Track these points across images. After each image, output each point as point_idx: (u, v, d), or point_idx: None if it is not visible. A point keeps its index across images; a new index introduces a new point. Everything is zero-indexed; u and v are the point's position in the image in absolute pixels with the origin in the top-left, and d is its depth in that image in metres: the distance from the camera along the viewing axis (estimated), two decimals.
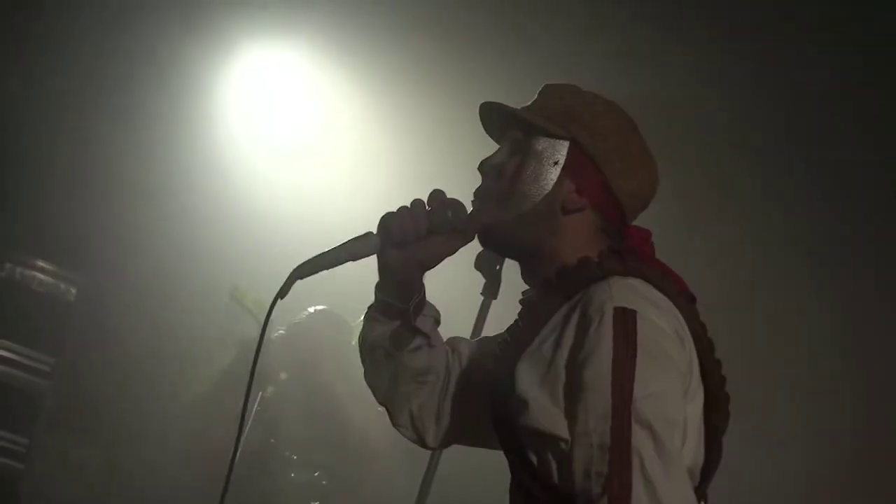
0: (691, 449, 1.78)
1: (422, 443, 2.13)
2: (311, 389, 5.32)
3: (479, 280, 3.10)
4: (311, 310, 5.44)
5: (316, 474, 5.33)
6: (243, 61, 5.77)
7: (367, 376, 2.09)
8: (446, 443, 2.14)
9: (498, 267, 3.05)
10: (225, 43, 5.67)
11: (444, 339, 2.12)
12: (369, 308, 2.06)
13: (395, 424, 2.12)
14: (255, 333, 5.50)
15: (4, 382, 5.62)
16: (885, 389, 4.92)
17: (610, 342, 1.69)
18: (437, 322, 2.07)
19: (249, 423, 5.38)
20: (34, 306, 5.63)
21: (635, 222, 1.99)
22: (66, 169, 5.49)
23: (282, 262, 2.02)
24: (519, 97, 2.09)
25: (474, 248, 2.07)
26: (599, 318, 1.72)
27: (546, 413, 1.73)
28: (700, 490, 1.80)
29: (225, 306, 5.43)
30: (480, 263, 2.99)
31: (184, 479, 5.52)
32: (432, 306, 2.06)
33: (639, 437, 1.64)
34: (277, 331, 5.61)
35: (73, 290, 5.68)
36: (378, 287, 2.01)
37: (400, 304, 2.00)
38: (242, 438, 1.98)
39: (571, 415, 1.70)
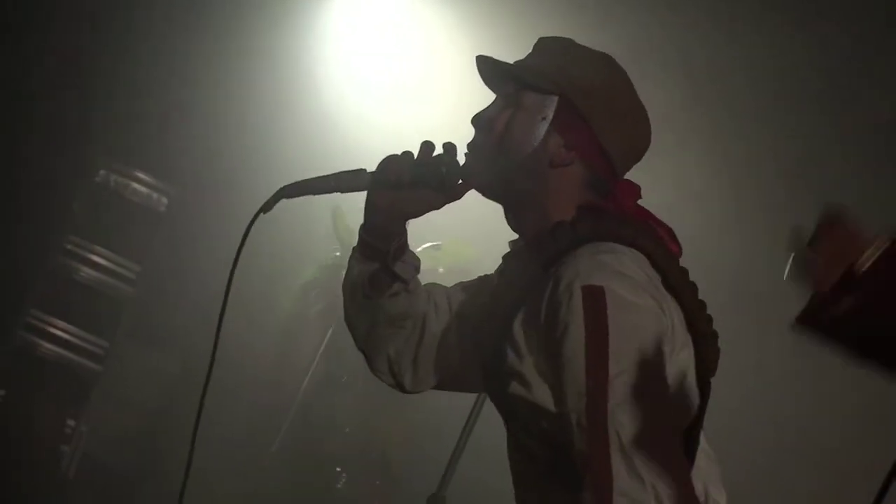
0: (687, 396, 1.81)
1: (400, 387, 2.16)
2: None
3: None
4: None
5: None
6: None
7: (348, 317, 2.13)
8: (425, 387, 2.17)
9: None
10: None
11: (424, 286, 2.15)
12: (353, 248, 2.10)
13: (372, 369, 2.16)
14: (338, 256, 5.57)
15: (90, 286, 5.75)
16: None
17: (581, 322, 1.72)
18: (417, 269, 2.09)
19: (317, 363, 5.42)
20: (126, 214, 5.75)
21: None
22: (172, 88, 5.57)
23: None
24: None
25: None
26: (569, 298, 1.74)
27: (536, 388, 1.78)
28: (696, 427, 1.83)
29: (309, 228, 5.49)
30: None
31: (257, 399, 5.62)
32: (414, 254, 2.08)
33: (615, 416, 1.67)
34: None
35: (165, 201, 5.79)
36: (361, 227, 2.06)
37: (380, 245, 2.03)
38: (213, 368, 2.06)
39: (555, 393, 1.76)
